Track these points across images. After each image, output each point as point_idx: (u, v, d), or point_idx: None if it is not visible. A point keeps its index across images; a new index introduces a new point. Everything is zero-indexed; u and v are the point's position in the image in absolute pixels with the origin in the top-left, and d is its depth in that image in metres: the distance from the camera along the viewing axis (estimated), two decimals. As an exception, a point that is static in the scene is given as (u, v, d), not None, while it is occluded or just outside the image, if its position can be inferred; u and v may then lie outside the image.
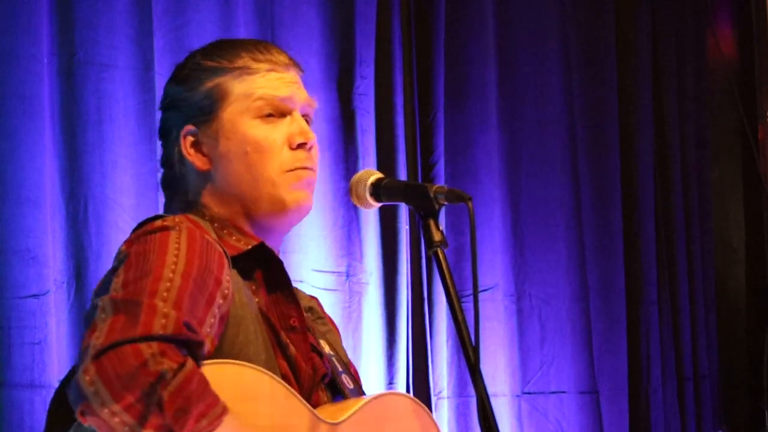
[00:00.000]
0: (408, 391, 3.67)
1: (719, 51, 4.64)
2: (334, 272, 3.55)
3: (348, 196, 2.13)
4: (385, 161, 3.69)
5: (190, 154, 2.10)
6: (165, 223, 1.94)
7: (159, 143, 2.19)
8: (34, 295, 2.93)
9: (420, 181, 3.81)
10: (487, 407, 1.88)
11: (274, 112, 2.11)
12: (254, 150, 2.08)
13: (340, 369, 2.15)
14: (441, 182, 3.36)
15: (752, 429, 4.53)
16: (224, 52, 2.14)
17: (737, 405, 4.58)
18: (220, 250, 1.96)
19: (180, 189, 2.13)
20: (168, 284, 1.80)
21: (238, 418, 1.78)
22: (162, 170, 2.18)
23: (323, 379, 2.08)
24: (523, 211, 4.03)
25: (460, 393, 3.78)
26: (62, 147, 3.07)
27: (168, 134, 2.15)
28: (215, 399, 1.73)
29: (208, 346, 1.83)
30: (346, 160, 3.60)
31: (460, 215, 3.75)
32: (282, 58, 2.15)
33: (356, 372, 2.26)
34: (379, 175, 2.10)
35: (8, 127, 2.95)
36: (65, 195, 3.06)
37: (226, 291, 1.91)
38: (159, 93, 3.15)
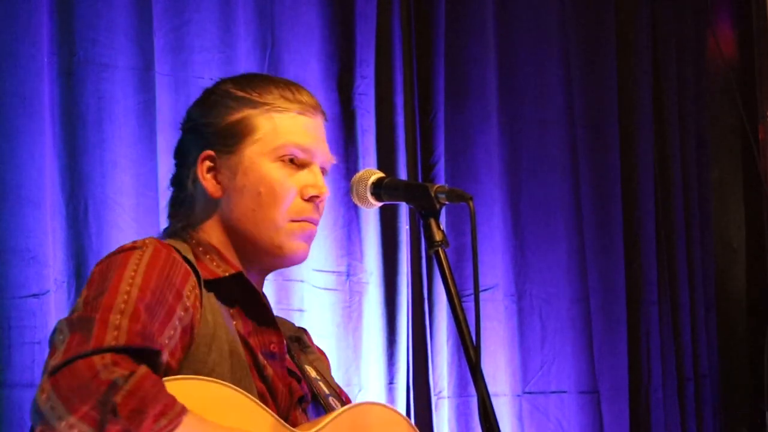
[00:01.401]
0: (408, 390, 3.67)
1: (719, 51, 4.64)
2: (334, 272, 3.55)
3: (348, 195, 2.14)
4: (386, 161, 3.69)
5: (205, 179, 2.12)
6: (134, 244, 1.97)
7: (174, 163, 2.21)
8: (34, 295, 2.93)
9: (420, 180, 3.81)
10: (488, 407, 1.88)
11: (296, 159, 2.13)
12: (267, 192, 2.10)
13: (327, 392, 2.18)
14: (441, 182, 3.35)
15: (752, 429, 4.53)
16: (255, 84, 2.15)
17: (737, 405, 4.57)
18: (187, 267, 1.98)
19: (184, 208, 2.15)
20: (125, 296, 1.83)
21: (200, 417, 1.79)
22: (171, 189, 2.19)
23: (300, 402, 2.10)
24: (523, 211, 4.03)
25: (460, 393, 3.77)
26: (62, 147, 3.07)
27: (185, 155, 2.16)
28: (172, 400, 1.75)
29: (166, 357, 1.85)
30: (347, 159, 3.60)
31: (461, 215, 3.75)
32: (311, 101, 2.18)
33: (348, 399, 2.27)
34: (380, 174, 2.11)
35: (8, 127, 2.95)
36: (65, 195, 3.06)
37: (187, 304, 1.93)
38: (159, 93, 3.17)
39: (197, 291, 1.97)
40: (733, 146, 4.70)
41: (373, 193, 2.09)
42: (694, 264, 4.46)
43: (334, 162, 2.23)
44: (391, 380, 3.62)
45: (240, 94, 2.13)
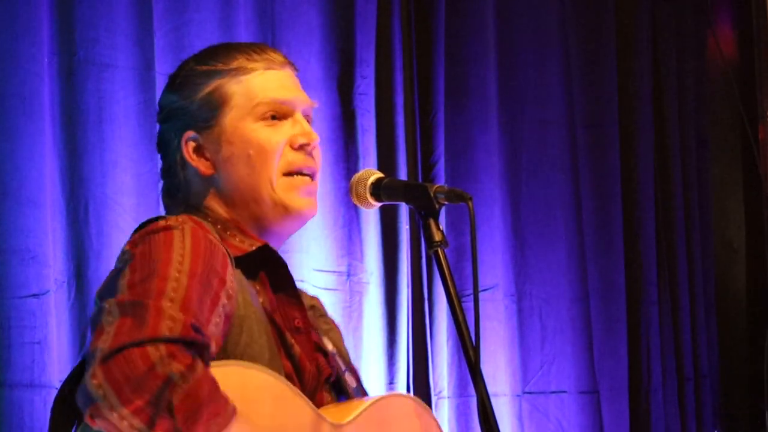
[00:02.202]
0: (408, 390, 3.67)
1: (719, 51, 4.64)
2: (334, 272, 3.55)
3: (348, 195, 2.14)
4: (386, 161, 3.70)
5: (193, 159, 2.10)
6: (168, 223, 1.93)
7: (159, 156, 2.19)
8: (34, 295, 2.93)
9: (420, 180, 3.81)
10: (488, 407, 1.88)
11: (277, 114, 2.11)
12: (257, 153, 2.07)
13: (344, 368, 2.15)
14: (441, 182, 3.36)
15: (752, 429, 4.53)
16: (218, 55, 2.13)
17: (737, 405, 4.58)
18: (224, 249, 1.95)
19: (181, 195, 2.12)
20: (175, 284, 1.79)
21: (246, 420, 1.78)
22: (162, 182, 2.17)
23: (328, 380, 2.08)
24: (523, 211, 4.03)
25: (460, 393, 3.78)
26: (62, 147, 3.07)
27: (168, 144, 2.13)
28: (225, 401, 1.73)
29: (213, 347, 1.82)
30: (347, 159, 3.61)
31: (461, 215, 3.75)
32: (277, 56, 2.15)
33: (356, 370, 2.25)
34: (380, 174, 2.10)
35: (8, 127, 2.95)
36: (65, 195, 3.06)
37: (230, 291, 1.90)
38: (159, 93, 3.16)
39: (234, 273, 1.94)
40: (733, 146, 4.70)
41: (372, 194, 2.09)
42: (694, 264, 4.46)
43: (316, 105, 2.19)
44: (391, 380, 3.62)
45: (204, 68, 2.11)
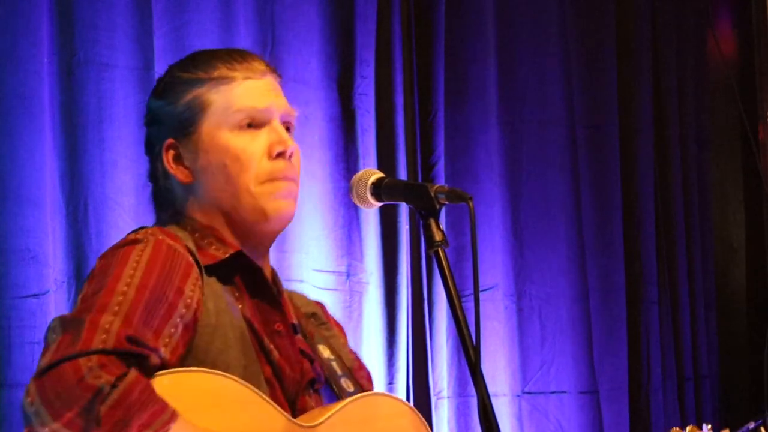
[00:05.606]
0: (408, 390, 3.67)
1: (719, 51, 4.64)
2: (334, 272, 3.55)
3: (348, 195, 2.13)
4: (386, 161, 3.70)
5: (172, 168, 2.11)
6: (136, 237, 1.96)
7: (147, 159, 2.19)
8: (34, 295, 2.93)
9: (420, 180, 3.81)
10: (488, 407, 1.88)
11: (253, 122, 2.10)
12: (233, 162, 2.07)
13: (340, 373, 2.15)
14: (441, 182, 3.36)
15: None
16: (199, 63, 2.14)
17: (737, 405, 4.58)
18: (189, 260, 1.97)
19: (167, 201, 2.14)
20: (120, 297, 1.82)
21: (190, 424, 1.78)
22: (150, 184, 2.18)
23: (312, 384, 2.08)
24: (523, 211, 4.03)
25: (460, 393, 3.78)
26: (62, 147, 3.07)
27: (152, 149, 2.15)
28: (162, 407, 1.74)
29: (164, 356, 1.84)
30: (347, 159, 3.61)
31: (461, 215, 3.75)
32: (258, 65, 2.15)
33: (368, 376, 2.25)
34: (380, 174, 2.10)
35: (8, 126, 2.95)
36: (65, 195, 3.06)
37: (189, 300, 1.91)
38: (160, 93, 3.16)
39: (200, 283, 1.96)
40: (733, 146, 4.70)
41: (372, 194, 2.09)
42: (694, 264, 4.46)
43: (296, 114, 2.17)
44: (391, 380, 3.62)
45: (186, 76, 2.12)
